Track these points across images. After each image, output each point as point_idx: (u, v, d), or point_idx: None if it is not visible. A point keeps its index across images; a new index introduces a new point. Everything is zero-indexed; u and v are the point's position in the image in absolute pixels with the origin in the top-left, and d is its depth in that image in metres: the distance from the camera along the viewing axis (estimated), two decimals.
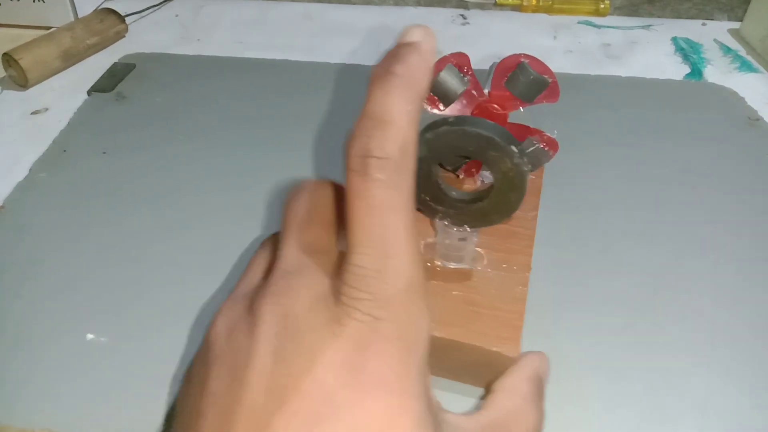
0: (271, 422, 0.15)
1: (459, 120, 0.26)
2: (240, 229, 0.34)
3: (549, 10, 0.63)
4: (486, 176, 0.33)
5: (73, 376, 0.28)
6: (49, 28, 0.54)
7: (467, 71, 0.31)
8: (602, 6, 0.62)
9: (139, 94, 0.47)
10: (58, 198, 0.37)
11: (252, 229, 0.35)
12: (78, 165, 0.40)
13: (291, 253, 0.19)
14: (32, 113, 0.45)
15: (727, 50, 0.57)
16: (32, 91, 0.48)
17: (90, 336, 0.29)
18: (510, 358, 0.25)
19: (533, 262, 0.33)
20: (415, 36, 0.18)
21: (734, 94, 0.49)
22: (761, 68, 0.54)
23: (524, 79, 0.29)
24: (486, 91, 0.31)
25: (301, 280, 0.18)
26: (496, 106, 0.31)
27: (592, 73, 0.52)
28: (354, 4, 0.64)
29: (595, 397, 0.27)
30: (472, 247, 0.29)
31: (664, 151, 0.42)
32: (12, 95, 0.47)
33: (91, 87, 0.48)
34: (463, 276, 0.29)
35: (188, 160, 0.41)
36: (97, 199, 0.37)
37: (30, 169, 0.39)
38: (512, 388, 0.23)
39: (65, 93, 0.48)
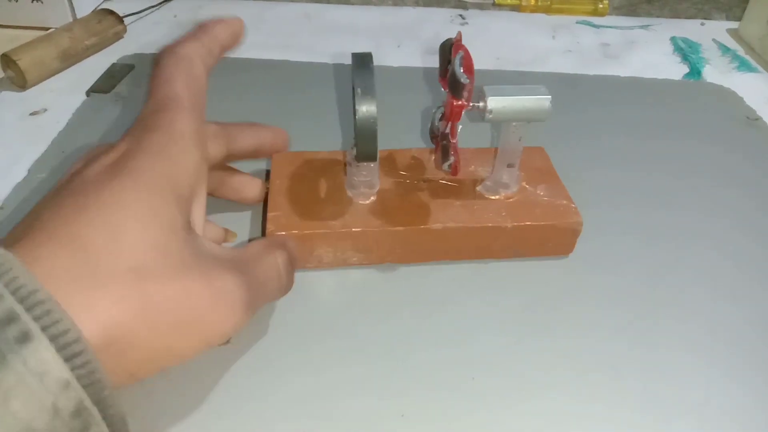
0: (47, 203, 0.21)
1: (365, 63, 0.28)
2: (239, 228, 0.34)
3: (548, 10, 0.63)
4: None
5: None
6: (47, 28, 0.54)
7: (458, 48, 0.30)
8: (601, 6, 0.62)
9: (138, 94, 0.47)
10: None
11: (251, 227, 0.35)
12: None
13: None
14: (31, 114, 0.45)
15: (725, 50, 0.57)
16: (31, 92, 0.48)
17: None
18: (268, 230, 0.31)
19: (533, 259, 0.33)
20: (226, 17, 0.29)
21: (733, 93, 0.50)
22: (760, 68, 0.54)
23: (450, 71, 0.28)
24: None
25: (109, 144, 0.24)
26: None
27: (591, 73, 0.52)
28: (353, 4, 0.64)
29: (595, 395, 0.27)
30: (361, 179, 0.31)
31: (663, 151, 0.42)
32: (10, 96, 0.47)
33: (90, 88, 0.48)
34: (346, 201, 0.32)
35: None
36: None
37: (29, 170, 0.39)
38: (259, 241, 0.27)
39: (64, 94, 0.47)
